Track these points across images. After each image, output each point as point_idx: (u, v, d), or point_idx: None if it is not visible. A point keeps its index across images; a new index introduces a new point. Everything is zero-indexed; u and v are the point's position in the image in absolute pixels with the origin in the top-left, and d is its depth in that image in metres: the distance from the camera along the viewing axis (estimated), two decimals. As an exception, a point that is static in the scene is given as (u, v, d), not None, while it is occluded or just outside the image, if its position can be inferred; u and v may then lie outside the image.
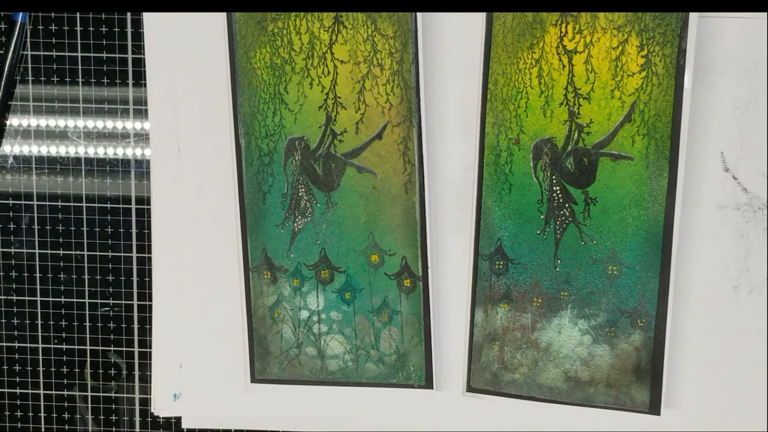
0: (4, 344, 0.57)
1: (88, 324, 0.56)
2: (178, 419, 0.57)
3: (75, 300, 0.56)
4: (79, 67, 0.54)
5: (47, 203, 0.55)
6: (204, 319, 0.55)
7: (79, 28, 0.53)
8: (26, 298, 0.56)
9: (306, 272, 0.53)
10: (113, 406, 0.57)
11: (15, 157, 0.55)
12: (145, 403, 0.57)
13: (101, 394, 0.57)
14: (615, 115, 0.49)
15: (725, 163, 0.51)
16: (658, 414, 0.52)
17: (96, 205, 0.55)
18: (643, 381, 0.52)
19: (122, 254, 0.55)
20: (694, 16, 0.48)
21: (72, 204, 0.55)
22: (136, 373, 0.57)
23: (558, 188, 0.51)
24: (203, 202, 0.54)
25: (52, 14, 0.53)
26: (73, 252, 0.56)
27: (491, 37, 0.50)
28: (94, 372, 0.57)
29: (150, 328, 0.56)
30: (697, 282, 0.52)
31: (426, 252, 0.52)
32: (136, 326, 0.56)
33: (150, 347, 0.56)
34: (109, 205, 0.55)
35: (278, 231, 0.53)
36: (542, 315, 0.52)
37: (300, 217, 0.53)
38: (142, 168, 0.55)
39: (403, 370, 0.54)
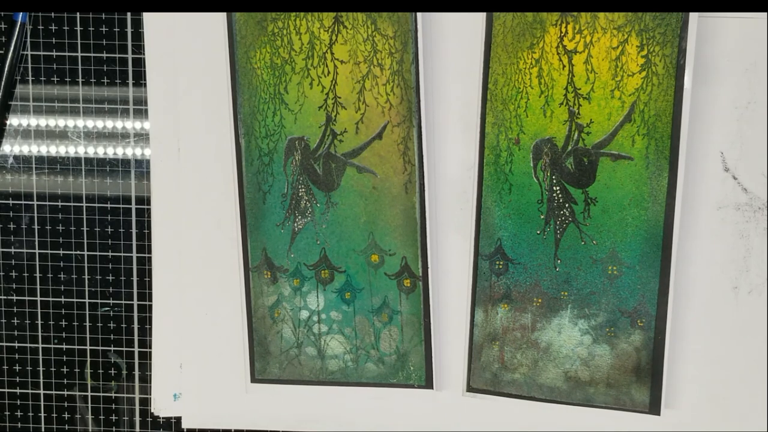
0: (4, 344, 0.57)
1: (88, 324, 0.56)
2: (178, 419, 0.57)
3: (75, 300, 0.56)
4: (79, 67, 0.54)
5: (47, 203, 0.55)
6: (204, 319, 0.55)
7: (79, 28, 0.53)
8: (26, 298, 0.56)
9: (306, 272, 0.53)
10: (113, 406, 0.57)
11: (15, 157, 0.55)
12: (145, 403, 0.57)
13: (101, 394, 0.57)
14: (615, 115, 0.49)
15: (725, 163, 0.51)
16: (658, 414, 0.52)
17: (96, 205, 0.55)
18: (643, 381, 0.52)
19: (122, 254, 0.55)
20: (694, 16, 0.48)
21: (72, 204, 0.55)
22: (136, 373, 0.57)
23: (558, 188, 0.51)
24: (203, 202, 0.54)
25: (52, 14, 0.53)
26: (73, 252, 0.56)
27: (491, 37, 0.50)
28: (94, 372, 0.57)
29: (150, 328, 0.56)
30: (697, 282, 0.52)
31: (426, 252, 0.52)
32: (136, 326, 0.56)
33: (150, 347, 0.56)
34: (109, 205, 0.55)
35: (278, 231, 0.53)
36: (542, 315, 0.52)
37: (300, 217, 0.53)
38: (142, 168, 0.55)
39: (403, 370, 0.54)
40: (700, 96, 0.50)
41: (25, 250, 0.56)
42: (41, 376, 0.57)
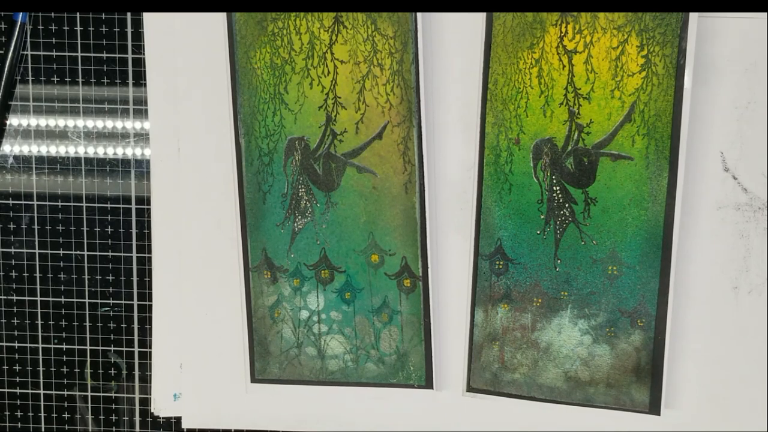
0: (4, 344, 0.57)
1: (88, 324, 0.56)
2: (178, 419, 0.57)
3: (75, 300, 0.56)
4: (79, 67, 0.54)
5: (47, 203, 0.55)
6: (204, 319, 0.55)
7: (79, 28, 0.53)
8: (26, 298, 0.56)
9: (306, 272, 0.53)
10: (113, 406, 0.57)
11: (15, 157, 0.55)
12: (145, 403, 0.57)
13: (101, 394, 0.57)
14: (615, 115, 0.49)
15: (725, 163, 0.51)
16: (658, 414, 0.52)
17: (96, 205, 0.55)
18: (643, 381, 0.52)
19: (122, 254, 0.55)
20: (694, 16, 0.48)
21: (72, 204, 0.55)
22: (136, 373, 0.57)
23: (558, 188, 0.51)
24: (203, 202, 0.54)
25: (52, 14, 0.53)
26: (73, 252, 0.56)
27: (491, 37, 0.50)
28: (94, 372, 0.57)
29: (150, 328, 0.56)
30: (697, 282, 0.52)
31: (426, 252, 0.52)
32: (136, 326, 0.56)
33: (150, 347, 0.56)
34: (109, 205, 0.55)
35: (278, 231, 0.53)
36: (542, 315, 0.52)
37: (300, 217, 0.53)
38: (142, 168, 0.55)
39: (403, 370, 0.54)
40: (700, 96, 0.50)
41: (25, 250, 0.56)
42: (41, 376, 0.57)
